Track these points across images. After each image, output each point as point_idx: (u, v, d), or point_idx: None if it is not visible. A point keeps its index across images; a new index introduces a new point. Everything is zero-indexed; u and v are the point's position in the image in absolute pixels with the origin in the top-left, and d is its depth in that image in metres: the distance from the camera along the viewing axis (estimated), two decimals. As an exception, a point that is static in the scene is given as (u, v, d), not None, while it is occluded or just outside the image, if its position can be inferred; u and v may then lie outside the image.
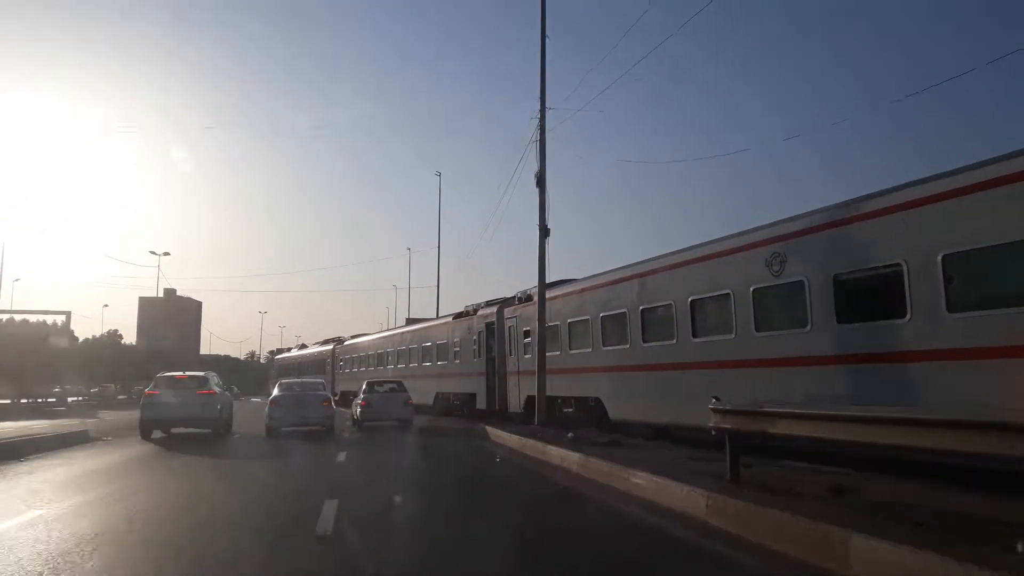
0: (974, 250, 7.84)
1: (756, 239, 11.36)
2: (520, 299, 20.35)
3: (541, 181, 17.78)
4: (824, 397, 9.03)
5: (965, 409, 5.71)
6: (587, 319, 16.30)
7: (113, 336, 70.00)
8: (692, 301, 12.67)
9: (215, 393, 17.53)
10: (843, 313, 9.57)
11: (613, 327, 15.39)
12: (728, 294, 11.72)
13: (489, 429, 17.43)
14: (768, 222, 11.40)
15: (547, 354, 18.31)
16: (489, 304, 23.11)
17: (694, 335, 12.60)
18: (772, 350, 10.81)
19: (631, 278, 14.88)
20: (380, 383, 23.14)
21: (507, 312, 21.01)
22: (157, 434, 17.18)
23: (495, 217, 73.11)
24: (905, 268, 8.50)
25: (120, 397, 46.04)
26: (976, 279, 8.13)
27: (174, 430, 17.80)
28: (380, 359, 32.96)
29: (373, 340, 35.28)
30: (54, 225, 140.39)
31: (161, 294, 74.32)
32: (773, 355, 10.79)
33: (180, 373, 18.40)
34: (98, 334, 70.83)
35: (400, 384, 22.37)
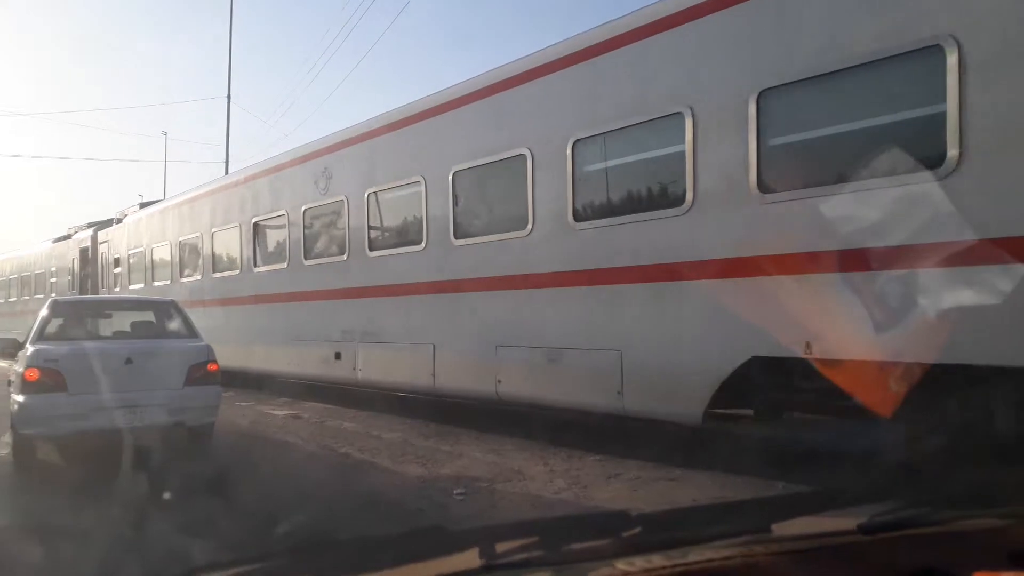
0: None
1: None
2: (118, 220, 16.64)
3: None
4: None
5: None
6: (168, 245, 13.38)
7: None
8: (256, 223, 10.42)
9: None
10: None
11: (191, 255, 12.70)
12: (284, 214, 9.64)
13: None
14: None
15: (133, 287, 15.12)
16: (90, 225, 18.92)
17: (255, 263, 10.41)
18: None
19: (211, 194, 12.23)
20: (98, 305, 9.28)
21: (102, 236, 17.15)
22: None
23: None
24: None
25: None
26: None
27: None
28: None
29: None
30: None
31: None
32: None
33: None
34: None
35: (172, 307, 7.75)
